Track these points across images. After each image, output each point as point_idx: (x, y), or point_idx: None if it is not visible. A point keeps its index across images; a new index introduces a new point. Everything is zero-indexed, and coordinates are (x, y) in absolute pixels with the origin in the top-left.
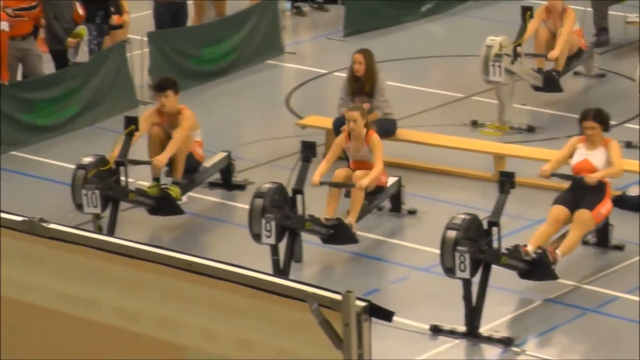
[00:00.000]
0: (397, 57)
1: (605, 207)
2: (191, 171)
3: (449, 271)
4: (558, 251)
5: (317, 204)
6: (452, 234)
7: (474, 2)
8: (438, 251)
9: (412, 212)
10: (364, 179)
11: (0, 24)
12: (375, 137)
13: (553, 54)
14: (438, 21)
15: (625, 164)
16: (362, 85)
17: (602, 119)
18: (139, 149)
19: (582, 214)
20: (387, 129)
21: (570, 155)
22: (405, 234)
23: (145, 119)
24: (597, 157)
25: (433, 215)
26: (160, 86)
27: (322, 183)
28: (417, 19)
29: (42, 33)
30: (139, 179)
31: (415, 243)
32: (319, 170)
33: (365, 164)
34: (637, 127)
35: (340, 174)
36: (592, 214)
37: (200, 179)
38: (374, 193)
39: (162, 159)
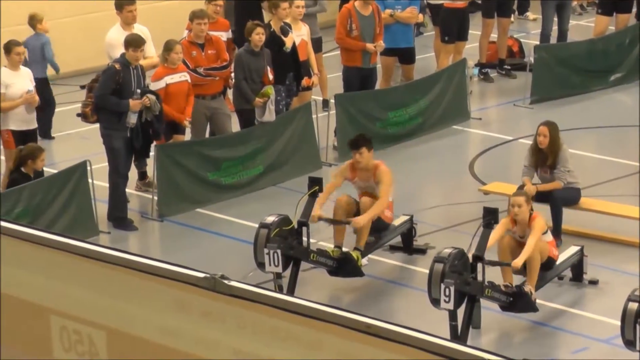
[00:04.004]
0: (584, 126)
1: None
2: (378, 230)
3: (630, 344)
4: None
5: (497, 270)
6: (634, 306)
7: None
8: (619, 323)
9: (593, 282)
10: (518, 259)
11: (183, 75)
12: (537, 221)
13: None
14: (627, 90)
15: None
16: (545, 157)
17: None
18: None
19: None
20: (570, 197)
21: None
22: (586, 305)
23: (339, 174)
24: None
25: (615, 286)
26: (356, 143)
27: (488, 262)
28: (605, 88)
29: (229, 92)
30: (320, 239)
31: (596, 314)
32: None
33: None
34: None
35: (505, 244)
36: None
37: (385, 240)
38: (547, 267)
39: (362, 220)
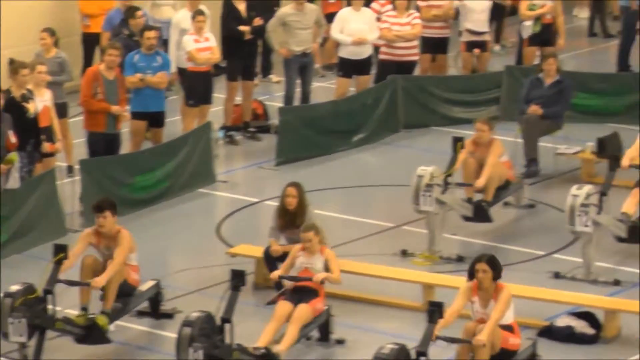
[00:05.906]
0: (328, 187)
1: None
2: (125, 295)
3: None
4: None
5: (245, 332)
6: None
7: (405, 132)
8: None
9: (340, 342)
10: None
11: None
12: (328, 251)
13: (479, 182)
14: (370, 151)
15: (554, 295)
16: (293, 218)
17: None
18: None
19: None
20: None
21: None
22: None
23: (83, 239)
24: None
25: (362, 344)
26: (99, 207)
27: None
28: (349, 149)
29: None
30: (66, 307)
31: None
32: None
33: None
34: (566, 258)
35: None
36: None
37: (132, 305)
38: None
39: (101, 280)
